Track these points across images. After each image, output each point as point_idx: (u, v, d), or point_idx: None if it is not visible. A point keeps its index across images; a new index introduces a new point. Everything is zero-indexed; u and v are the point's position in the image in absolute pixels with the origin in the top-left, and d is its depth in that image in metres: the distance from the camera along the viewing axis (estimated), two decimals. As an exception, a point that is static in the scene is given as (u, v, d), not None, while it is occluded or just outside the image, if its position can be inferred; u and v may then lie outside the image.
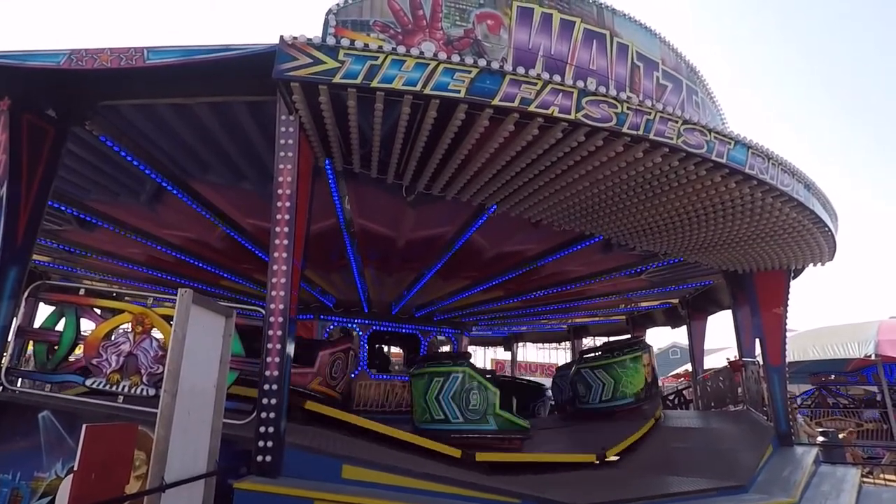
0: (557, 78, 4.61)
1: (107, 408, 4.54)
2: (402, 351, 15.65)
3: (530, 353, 23.30)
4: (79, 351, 4.99)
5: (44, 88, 5.16)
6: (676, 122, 5.02)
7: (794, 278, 9.30)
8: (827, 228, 7.03)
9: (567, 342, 19.45)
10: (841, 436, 11.58)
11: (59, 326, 5.12)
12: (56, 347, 5.00)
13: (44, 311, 5.57)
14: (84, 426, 2.64)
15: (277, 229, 4.70)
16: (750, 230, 6.93)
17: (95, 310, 5.12)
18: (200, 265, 9.91)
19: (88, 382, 4.72)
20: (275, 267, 4.63)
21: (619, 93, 4.86)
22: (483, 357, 24.99)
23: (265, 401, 4.34)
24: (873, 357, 13.00)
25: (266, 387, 4.38)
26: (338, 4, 5.51)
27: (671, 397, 15.09)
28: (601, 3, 6.53)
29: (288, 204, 4.74)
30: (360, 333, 10.84)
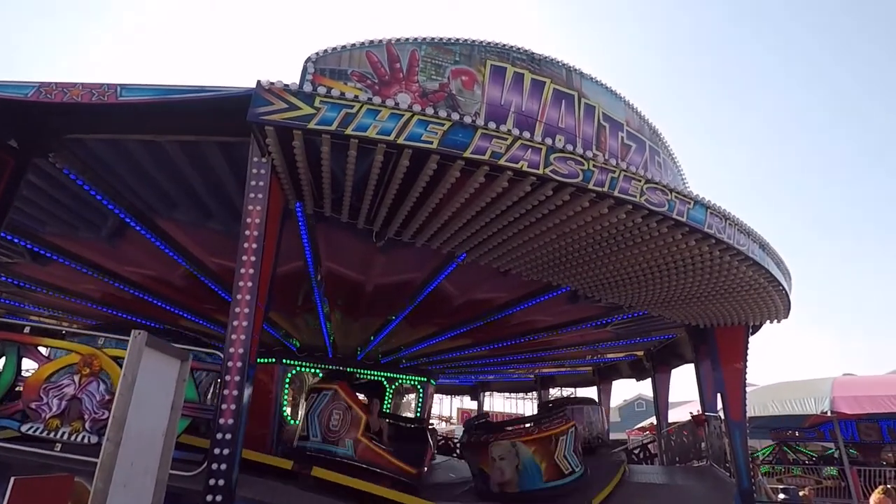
0: (527, 134, 4.78)
1: (41, 456, 4.22)
2: (366, 398, 15.20)
3: (497, 402, 22.96)
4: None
5: (7, 119, 5.05)
6: (640, 180, 5.23)
7: (752, 334, 9.56)
8: (781, 287, 7.32)
9: (534, 392, 19.30)
10: (801, 493, 11.62)
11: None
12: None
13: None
14: (12, 478, 2.43)
15: (242, 270, 4.60)
16: (709, 287, 7.15)
17: (40, 349, 4.83)
18: (159, 304, 9.57)
19: (24, 428, 4.39)
20: (237, 309, 4.50)
21: (586, 151, 5.06)
22: (449, 406, 24.50)
23: (217, 451, 4.11)
24: (829, 413, 13.27)
25: (219, 436, 4.16)
26: (317, 53, 5.65)
27: (636, 451, 14.99)
28: (570, 66, 6.88)
29: (255, 245, 4.66)
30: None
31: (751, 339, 9.25)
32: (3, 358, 4.75)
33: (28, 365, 4.83)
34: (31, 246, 7.52)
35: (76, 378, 4.53)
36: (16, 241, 7.30)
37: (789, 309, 8.39)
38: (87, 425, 4.39)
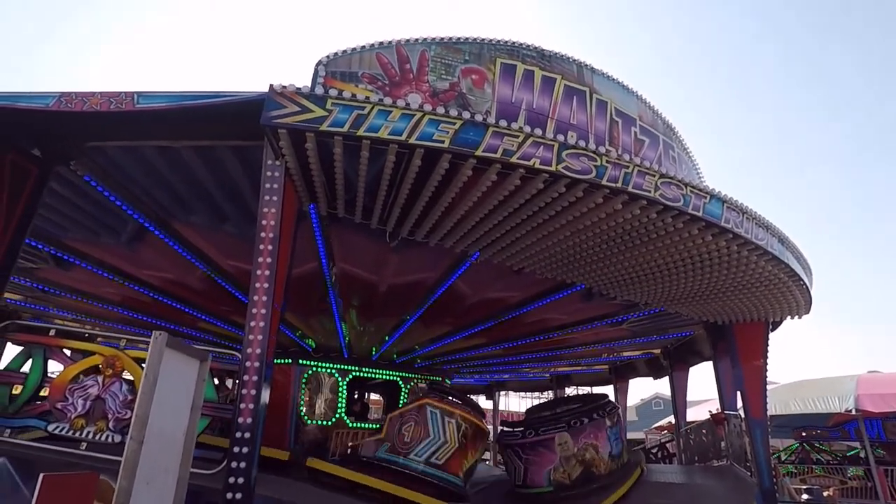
0: (539, 131, 4.78)
1: (67, 455, 4.33)
2: (381, 398, 15.27)
3: (513, 402, 22.87)
4: (45, 393, 4.80)
5: (31, 129, 5.18)
6: (654, 175, 5.18)
7: (772, 330, 9.40)
8: (802, 282, 7.19)
9: (550, 391, 19.19)
10: (826, 494, 11.41)
11: (27, 368, 4.93)
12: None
13: (12, 351, 5.37)
14: (41, 475, 2.51)
15: (259, 272, 4.67)
16: (727, 282, 7.05)
17: (65, 351, 4.96)
18: (178, 306, 9.72)
19: (51, 428, 4.51)
20: (254, 310, 4.56)
21: (599, 146, 5.03)
22: (465, 406, 24.38)
23: (237, 449, 4.18)
24: (853, 412, 12.97)
25: (238, 434, 4.22)
26: (328, 56, 5.70)
27: (654, 451, 14.83)
28: (581, 62, 6.84)
29: (270, 247, 4.73)
30: (339, 379, 10.59)
31: (771, 335, 9.10)
32: (31, 360, 4.88)
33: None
34: (55, 251, 7.70)
35: (100, 379, 4.64)
36: (40, 246, 7.48)
37: (810, 304, 8.24)
38: (110, 425, 4.50)
